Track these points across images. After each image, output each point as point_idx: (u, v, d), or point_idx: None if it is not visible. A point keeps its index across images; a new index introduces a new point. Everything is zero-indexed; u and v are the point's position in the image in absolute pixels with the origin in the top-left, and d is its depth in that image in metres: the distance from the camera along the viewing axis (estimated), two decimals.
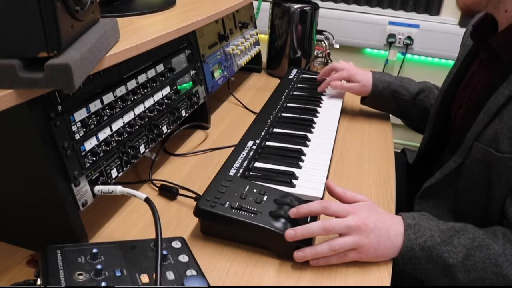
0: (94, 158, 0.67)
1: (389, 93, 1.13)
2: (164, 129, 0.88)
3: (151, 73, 0.84)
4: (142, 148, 0.80)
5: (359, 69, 1.19)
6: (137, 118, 0.79)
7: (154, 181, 0.86)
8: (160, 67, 0.88)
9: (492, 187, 0.75)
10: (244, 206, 0.70)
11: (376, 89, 1.13)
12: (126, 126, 0.75)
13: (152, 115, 0.83)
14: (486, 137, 0.75)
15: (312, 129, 1.04)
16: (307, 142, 0.98)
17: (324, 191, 0.81)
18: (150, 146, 0.82)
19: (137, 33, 0.80)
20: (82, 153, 0.65)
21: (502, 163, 0.72)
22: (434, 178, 0.85)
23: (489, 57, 0.84)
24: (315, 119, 1.09)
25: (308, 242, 0.68)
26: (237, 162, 0.84)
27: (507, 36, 0.77)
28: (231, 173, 0.79)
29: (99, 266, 0.54)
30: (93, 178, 0.67)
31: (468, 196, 0.81)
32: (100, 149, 0.68)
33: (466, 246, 0.67)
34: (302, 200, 0.74)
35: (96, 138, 0.68)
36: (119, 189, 0.66)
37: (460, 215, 0.75)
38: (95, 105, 0.68)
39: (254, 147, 0.91)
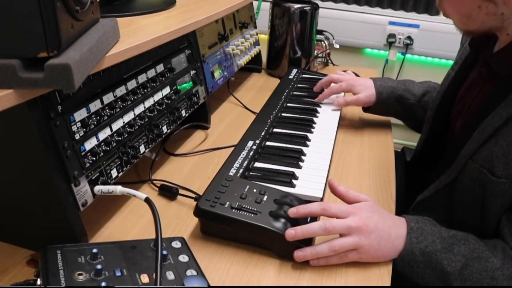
0: (94, 158, 0.67)
1: (394, 98, 1.10)
2: (164, 129, 0.88)
3: (151, 73, 0.84)
4: (142, 148, 0.80)
5: (358, 78, 1.17)
6: (137, 118, 0.79)
7: (154, 181, 0.86)
8: (160, 67, 0.88)
9: (487, 205, 0.74)
10: (244, 206, 0.70)
11: (381, 97, 1.10)
12: (126, 126, 0.75)
13: (152, 115, 0.83)
14: (480, 157, 0.73)
15: (312, 129, 1.04)
16: (307, 142, 0.98)
17: (324, 191, 0.81)
18: (150, 146, 0.82)
19: (137, 33, 0.80)
20: (82, 153, 0.65)
21: (497, 187, 0.71)
22: (427, 191, 0.84)
23: (488, 72, 0.83)
24: (315, 119, 1.09)
25: (308, 242, 0.68)
26: (237, 162, 0.83)
27: (506, 55, 0.76)
28: (231, 173, 0.79)
29: (99, 266, 0.54)
30: (93, 178, 0.67)
31: (462, 210, 0.80)
32: (100, 149, 0.68)
33: (465, 255, 0.67)
34: (302, 200, 0.74)
35: (96, 138, 0.68)
36: (119, 189, 0.66)
37: (453, 226, 0.74)
38: (95, 105, 0.68)
39: (254, 147, 0.91)
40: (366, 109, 1.17)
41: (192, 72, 1.02)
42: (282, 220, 0.68)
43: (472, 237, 0.71)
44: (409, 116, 1.14)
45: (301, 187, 0.81)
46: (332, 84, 1.18)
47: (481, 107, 0.78)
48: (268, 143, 0.96)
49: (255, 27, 1.51)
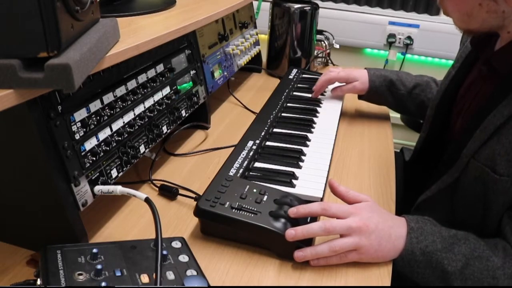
0: (94, 158, 0.67)
1: (386, 87, 1.14)
2: (164, 129, 0.88)
3: (151, 73, 0.84)
4: (142, 148, 0.80)
5: (353, 69, 1.19)
6: (137, 118, 0.79)
7: (154, 181, 0.86)
8: (160, 67, 0.88)
9: (489, 204, 0.74)
10: (244, 206, 0.70)
11: (374, 84, 1.14)
12: (126, 126, 0.75)
13: (152, 115, 0.83)
14: (483, 155, 0.73)
15: (312, 129, 1.04)
16: (307, 142, 0.98)
17: (324, 191, 0.81)
18: (150, 146, 0.82)
19: (137, 33, 0.80)
20: (82, 153, 0.65)
21: (499, 185, 0.71)
22: (429, 191, 0.84)
23: (489, 70, 0.83)
24: (315, 119, 1.09)
25: (308, 242, 0.68)
26: (237, 162, 0.83)
27: (507, 53, 0.76)
28: (231, 173, 0.79)
29: (99, 266, 0.54)
30: (93, 178, 0.67)
31: (464, 210, 0.80)
32: (100, 149, 0.68)
33: (466, 255, 0.67)
34: (302, 200, 0.74)
35: (96, 138, 0.68)
36: (119, 189, 0.66)
37: (455, 226, 0.75)
38: (95, 105, 0.68)
39: (254, 147, 0.91)
40: (360, 97, 1.20)
41: (192, 72, 1.02)
42: (282, 220, 0.68)
43: (473, 237, 0.71)
44: (400, 106, 1.17)
45: (301, 187, 0.81)
46: (331, 73, 1.19)
47: (482, 106, 0.78)
48: (268, 143, 0.96)
49: (255, 27, 1.51)
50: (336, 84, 1.21)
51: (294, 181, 0.82)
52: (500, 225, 0.74)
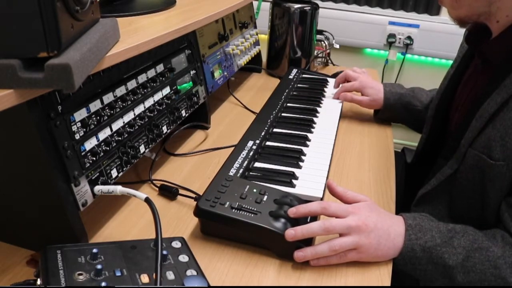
0: (94, 158, 0.67)
1: (401, 105, 1.13)
2: (164, 129, 0.88)
3: (151, 73, 0.84)
4: (142, 148, 0.80)
5: (371, 81, 1.17)
6: (137, 118, 0.79)
7: (154, 181, 0.86)
8: (160, 67, 0.88)
9: (487, 193, 0.75)
10: (244, 206, 0.70)
11: (388, 102, 1.13)
12: (126, 126, 0.76)
13: (152, 115, 0.83)
14: (479, 143, 0.75)
15: (312, 129, 1.04)
16: (307, 142, 0.98)
17: (324, 191, 0.81)
18: (150, 146, 0.82)
19: (137, 33, 0.80)
20: (82, 153, 0.65)
21: (495, 170, 0.72)
22: (429, 184, 0.85)
23: (483, 62, 0.84)
24: (315, 119, 1.09)
25: (308, 242, 0.68)
26: (237, 162, 0.83)
27: (498, 43, 0.78)
28: (231, 173, 0.79)
29: (99, 266, 0.54)
30: (93, 178, 0.67)
31: (463, 201, 0.81)
32: (100, 149, 0.68)
33: (466, 247, 0.68)
34: (302, 200, 0.74)
35: (96, 138, 0.68)
36: (119, 189, 0.66)
37: (455, 220, 0.75)
38: (95, 105, 0.68)
39: (254, 147, 0.91)
40: (375, 114, 1.19)
41: (192, 72, 1.02)
42: (282, 220, 0.68)
43: (471, 229, 0.71)
44: (416, 123, 1.15)
45: (301, 187, 0.81)
46: (346, 83, 1.20)
47: (477, 97, 0.80)
48: (268, 143, 0.96)
49: (255, 27, 1.51)
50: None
51: (294, 181, 0.82)
52: (498, 214, 0.74)
